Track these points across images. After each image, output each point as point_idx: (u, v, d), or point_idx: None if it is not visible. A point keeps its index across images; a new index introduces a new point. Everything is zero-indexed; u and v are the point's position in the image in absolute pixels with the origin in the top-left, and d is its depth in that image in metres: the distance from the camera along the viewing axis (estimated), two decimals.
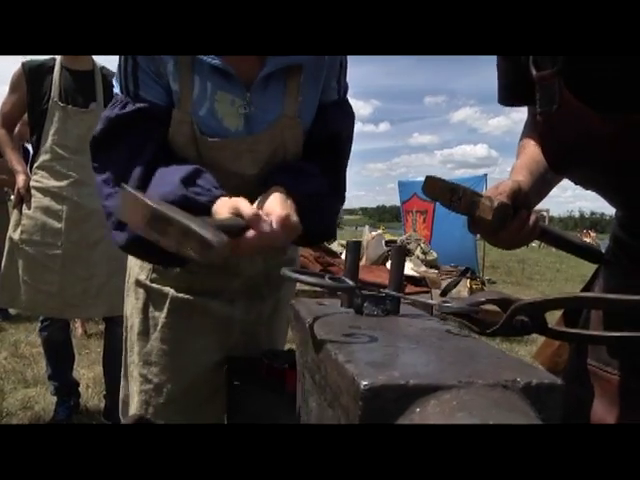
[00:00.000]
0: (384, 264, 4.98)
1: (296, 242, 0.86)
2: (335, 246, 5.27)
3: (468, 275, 5.26)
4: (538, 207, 0.96)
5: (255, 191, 0.82)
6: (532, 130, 0.90)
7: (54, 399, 2.51)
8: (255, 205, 0.76)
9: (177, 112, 0.89)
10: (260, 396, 0.91)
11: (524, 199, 0.77)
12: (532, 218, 0.77)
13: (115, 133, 0.88)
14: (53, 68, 2.26)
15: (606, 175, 0.77)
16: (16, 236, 2.26)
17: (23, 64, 2.27)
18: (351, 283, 0.61)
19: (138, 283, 1.06)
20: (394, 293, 0.64)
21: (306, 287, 0.66)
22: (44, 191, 2.26)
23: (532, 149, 0.87)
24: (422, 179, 0.79)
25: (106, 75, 2.32)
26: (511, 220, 0.75)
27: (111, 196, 0.86)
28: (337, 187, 1.01)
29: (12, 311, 4.00)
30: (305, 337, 0.58)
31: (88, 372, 3.05)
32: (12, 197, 2.60)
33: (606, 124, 0.70)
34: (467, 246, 7.60)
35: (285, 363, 0.93)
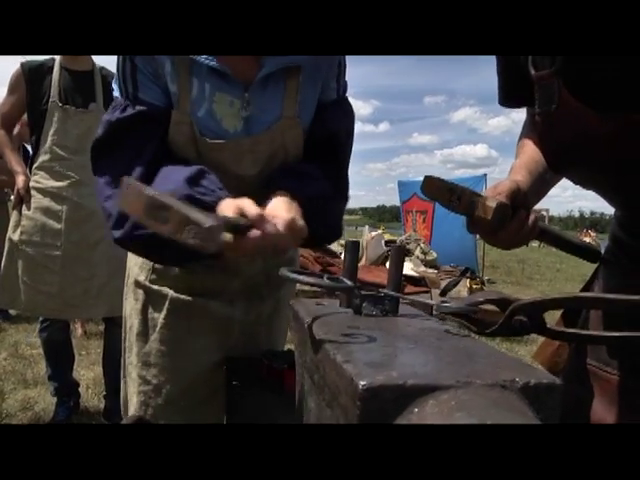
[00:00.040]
0: (384, 264, 4.99)
1: (302, 245, 0.86)
2: (335, 246, 5.27)
3: (468, 275, 5.27)
4: (537, 207, 0.96)
5: (256, 192, 0.82)
6: (531, 130, 0.90)
7: (54, 400, 2.51)
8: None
9: (176, 113, 0.89)
10: (259, 396, 0.91)
11: (523, 199, 0.77)
12: (531, 218, 0.77)
13: (116, 136, 0.89)
14: (52, 68, 2.26)
15: (605, 174, 0.77)
16: (16, 237, 2.26)
17: (22, 64, 2.27)
18: (349, 283, 0.61)
19: (137, 284, 1.05)
20: (393, 293, 0.64)
21: (306, 287, 0.66)
22: (44, 192, 2.26)
23: (531, 149, 0.87)
24: (422, 179, 0.78)
25: (105, 76, 2.32)
26: (510, 220, 0.75)
27: (111, 197, 0.86)
28: (340, 187, 1.01)
29: (12, 312, 4.00)
30: (304, 337, 0.58)
31: (88, 373, 3.05)
32: (12, 198, 2.61)
33: (604, 124, 0.70)
34: (467, 246, 7.60)
35: (284, 363, 0.93)
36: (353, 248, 0.67)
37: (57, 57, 2.29)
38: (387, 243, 5.86)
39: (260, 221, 0.69)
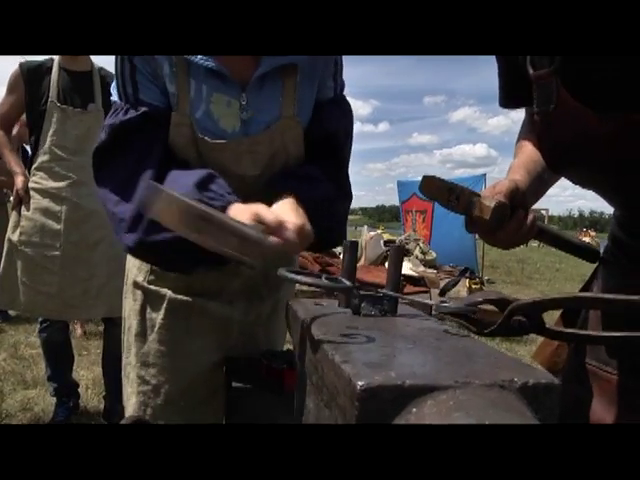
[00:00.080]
0: (383, 264, 4.99)
1: (307, 248, 0.86)
2: None
3: (467, 275, 5.27)
4: (537, 206, 0.96)
5: (257, 193, 0.81)
6: (529, 130, 0.90)
7: (53, 400, 2.51)
8: None
9: (176, 115, 0.89)
10: (259, 396, 0.90)
11: (521, 198, 0.77)
12: (529, 217, 0.77)
13: (120, 140, 0.88)
14: (51, 69, 2.26)
15: (604, 174, 0.77)
16: (15, 237, 2.26)
17: (21, 64, 2.27)
18: (348, 283, 0.61)
19: (136, 285, 1.05)
20: (392, 293, 0.64)
21: (305, 287, 0.66)
22: (43, 192, 2.25)
23: (529, 149, 0.87)
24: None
25: (104, 76, 2.32)
26: (508, 220, 0.75)
27: (121, 202, 0.85)
28: (342, 186, 1.00)
29: (11, 312, 4.00)
30: (302, 337, 0.58)
31: (87, 373, 3.05)
32: (11, 198, 2.60)
33: (603, 123, 0.70)
34: (466, 246, 7.60)
35: (284, 363, 0.93)
36: (352, 248, 0.67)
37: (56, 57, 2.29)
38: (386, 243, 5.86)
39: (279, 228, 0.68)
